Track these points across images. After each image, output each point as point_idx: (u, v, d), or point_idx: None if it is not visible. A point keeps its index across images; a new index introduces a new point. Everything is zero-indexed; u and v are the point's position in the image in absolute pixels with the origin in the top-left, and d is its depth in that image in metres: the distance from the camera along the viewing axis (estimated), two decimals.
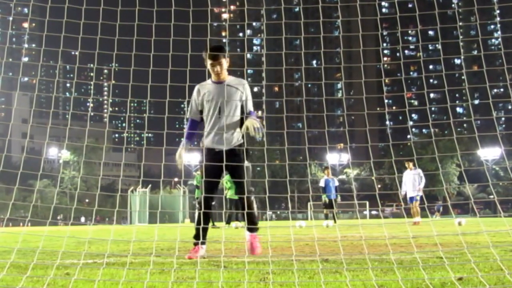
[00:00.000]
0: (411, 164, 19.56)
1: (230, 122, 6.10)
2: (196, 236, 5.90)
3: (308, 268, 4.59)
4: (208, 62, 6.11)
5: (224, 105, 6.06)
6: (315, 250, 6.36)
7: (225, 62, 6.16)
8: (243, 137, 6.18)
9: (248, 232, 6.05)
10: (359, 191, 73.52)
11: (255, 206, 6.12)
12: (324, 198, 20.53)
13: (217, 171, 5.88)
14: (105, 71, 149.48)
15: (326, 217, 20.50)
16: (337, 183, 20.88)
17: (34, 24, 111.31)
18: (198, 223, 5.93)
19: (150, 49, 5.83)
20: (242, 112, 6.17)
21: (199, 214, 5.96)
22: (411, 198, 19.41)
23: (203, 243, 5.89)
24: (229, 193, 19.37)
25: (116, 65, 6.14)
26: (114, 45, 5.64)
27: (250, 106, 6.19)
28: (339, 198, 21.50)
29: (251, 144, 7.22)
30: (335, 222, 19.44)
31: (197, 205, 6.06)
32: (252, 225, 6.04)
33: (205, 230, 6.00)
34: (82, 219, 57.11)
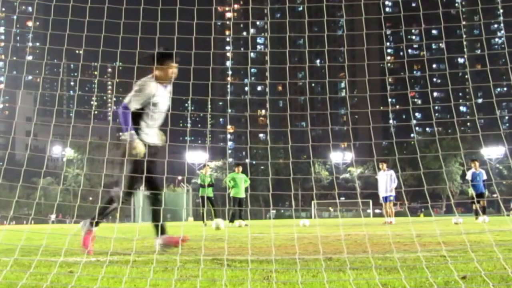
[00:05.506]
0: (384, 165, 19.82)
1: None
2: None
3: (312, 266, 4.59)
4: (173, 65, 6.18)
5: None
6: (318, 248, 6.36)
7: None
8: None
9: None
10: (362, 190, 73.57)
11: None
12: (471, 192, 19.89)
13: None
14: (109, 69, 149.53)
15: (476, 213, 18.96)
16: (485, 177, 19.52)
17: (38, 23, 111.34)
18: None
19: (154, 48, 5.84)
20: None
21: None
22: (385, 198, 19.69)
23: None
24: (233, 192, 19.42)
25: (120, 63, 6.14)
26: (118, 43, 5.65)
27: None
28: (487, 193, 20.00)
29: (255, 142, 7.20)
30: (476, 218, 18.39)
31: None
32: None
33: None
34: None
